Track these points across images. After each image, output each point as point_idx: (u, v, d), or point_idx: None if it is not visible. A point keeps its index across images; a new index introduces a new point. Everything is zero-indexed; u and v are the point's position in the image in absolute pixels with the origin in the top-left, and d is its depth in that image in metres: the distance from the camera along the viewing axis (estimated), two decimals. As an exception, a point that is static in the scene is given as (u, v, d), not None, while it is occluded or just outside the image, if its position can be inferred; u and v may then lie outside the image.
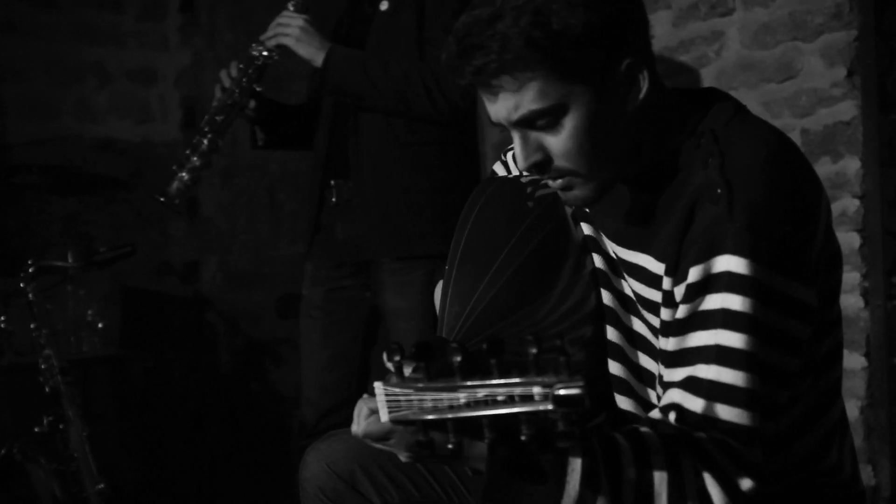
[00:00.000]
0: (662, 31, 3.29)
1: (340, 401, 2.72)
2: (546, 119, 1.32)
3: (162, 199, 2.58)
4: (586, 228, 1.54)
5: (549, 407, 1.01)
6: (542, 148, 1.35)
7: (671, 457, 1.24)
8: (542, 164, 1.36)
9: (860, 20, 2.82)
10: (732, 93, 1.50)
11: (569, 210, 1.57)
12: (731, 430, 1.25)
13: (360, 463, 1.61)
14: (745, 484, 1.24)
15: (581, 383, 1.01)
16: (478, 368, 1.07)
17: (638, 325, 1.46)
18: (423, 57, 2.56)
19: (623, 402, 1.48)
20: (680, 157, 1.39)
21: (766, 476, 1.27)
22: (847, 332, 2.78)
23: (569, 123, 1.32)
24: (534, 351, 1.03)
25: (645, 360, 1.46)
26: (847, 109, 2.84)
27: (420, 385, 1.11)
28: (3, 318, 3.05)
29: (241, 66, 2.60)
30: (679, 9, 3.26)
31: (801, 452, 1.42)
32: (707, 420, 1.26)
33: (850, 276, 2.83)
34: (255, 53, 2.59)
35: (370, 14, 2.64)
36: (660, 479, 1.23)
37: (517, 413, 1.04)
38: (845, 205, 2.84)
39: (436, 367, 1.10)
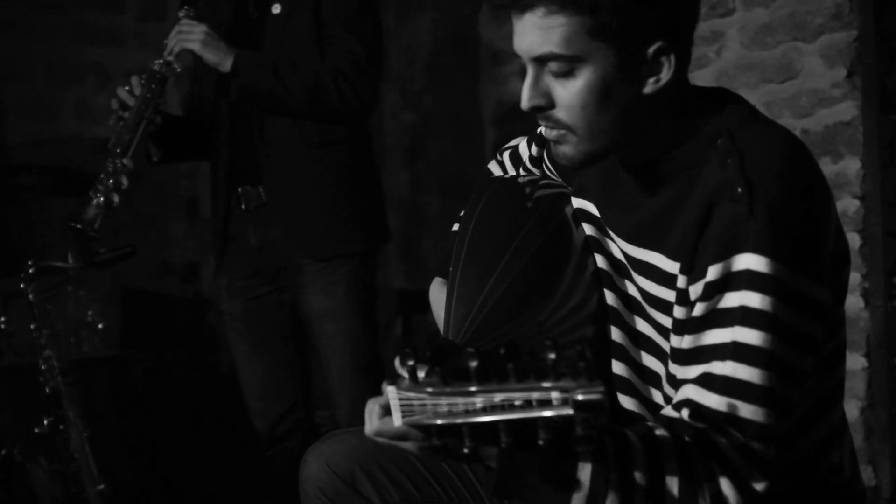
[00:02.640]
0: (662, 31, 3.29)
1: (289, 405, 2.71)
2: (562, 66, 1.33)
3: (79, 227, 2.50)
4: (588, 229, 1.54)
5: (570, 412, 1.01)
6: (548, 94, 1.36)
7: (684, 459, 1.24)
8: (542, 110, 1.38)
9: (860, 21, 2.82)
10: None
11: (569, 211, 1.58)
12: (746, 428, 1.25)
13: (360, 463, 1.61)
14: (761, 485, 1.25)
15: (601, 388, 1.00)
16: (494, 373, 1.07)
17: (642, 326, 1.46)
18: (324, 57, 2.55)
19: (626, 402, 1.48)
20: (692, 154, 1.39)
21: (778, 474, 1.27)
22: (847, 333, 2.76)
23: (582, 78, 1.33)
24: (552, 356, 1.03)
25: (649, 360, 1.46)
26: (847, 110, 2.84)
27: (434, 390, 1.10)
28: (3, 319, 3.05)
29: (142, 81, 2.54)
30: (679, 9, 3.26)
31: (805, 449, 1.42)
32: (721, 417, 1.26)
33: (851, 277, 2.82)
34: (155, 67, 2.54)
35: (259, 18, 2.61)
36: (671, 481, 1.23)
37: (535, 418, 1.03)
38: (846, 205, 2.84)
39: (450, 371, 1.10)
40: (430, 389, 1.11)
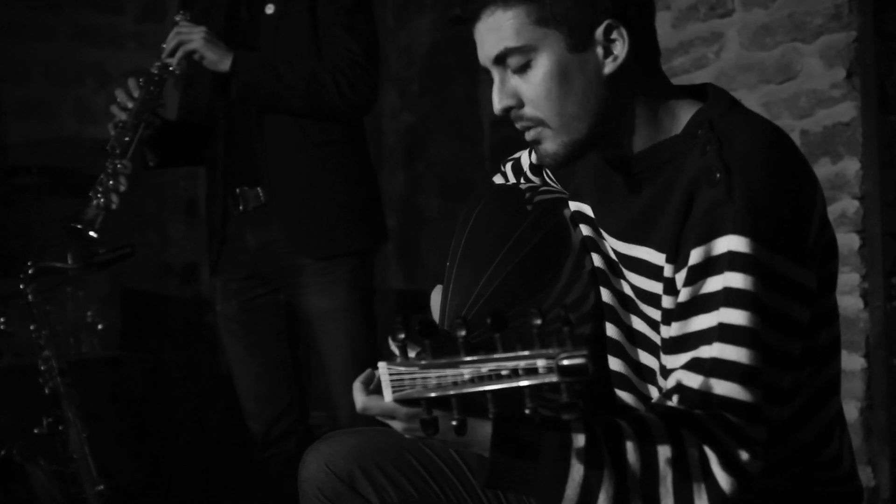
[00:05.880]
0: (662, 32, 3.27)
1: (284, 407, 2.71)
2: (518, 59, 1.38)
3: (79, 227, 2.47)
4: (585, 230, 1.55)
5: (554, 379, 1.02)
6: (515, 94, 1.41)
7: (674, 435, 1.24)
8: (514, 110, 1.42)
9: (859, 21, 2.82)
10: (732, 94, 1.51)
11: (567, 213, 1.58)
12: (734, 409, 1.25)
13: (358, 463, 1.61)
14: (745, 457, 1.24)
15: (585, 352, 1.01)
16: (482, 344, 1.08)
17: (637, 324, 1.47)
18: (322, 57, 2.55)
19: (624, 397, 1.49)
20: (675, 147, 1.41)
21: (768, 455, 1.27)
22: (847, 333, 2.78)
23: (539, 67, 1.38)
24: (538, 322, 1.04)
25: (645, 357, 1.47)
26: (846, 110, 2.84)
27: (424, 363, 1.11)
28: (2, 320, 3.05)
29: (140, 83, 2.53)
30: (678, 10, 3.26)
31: (803, 441, 1.43)
32: (708, 397, 1.26)
33: (850, 278, 2.83)
34: (153, 70, 2.53)
35: (252, 20, 2.61)
36: (664, 459, 1.23)
37: (521, 387, 1.04)
38: (845, 206, 2.84)
39: (440, 344, 1.10)
40: (419, 363, 1.12)
